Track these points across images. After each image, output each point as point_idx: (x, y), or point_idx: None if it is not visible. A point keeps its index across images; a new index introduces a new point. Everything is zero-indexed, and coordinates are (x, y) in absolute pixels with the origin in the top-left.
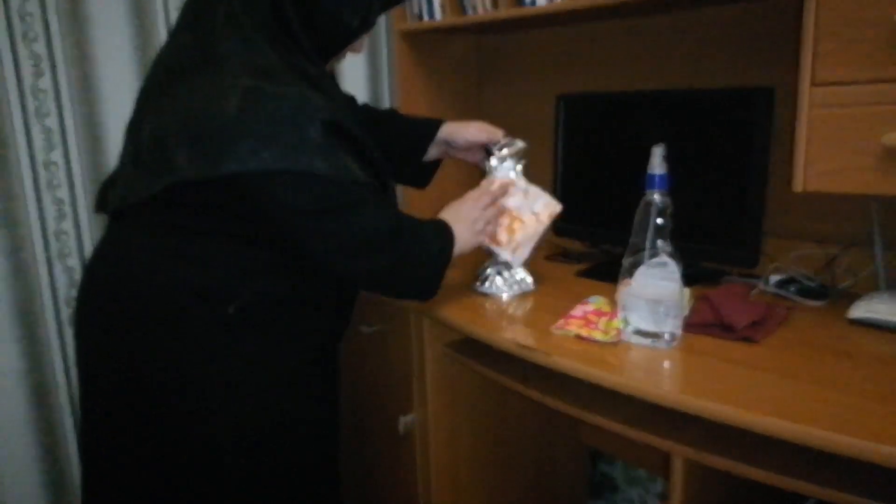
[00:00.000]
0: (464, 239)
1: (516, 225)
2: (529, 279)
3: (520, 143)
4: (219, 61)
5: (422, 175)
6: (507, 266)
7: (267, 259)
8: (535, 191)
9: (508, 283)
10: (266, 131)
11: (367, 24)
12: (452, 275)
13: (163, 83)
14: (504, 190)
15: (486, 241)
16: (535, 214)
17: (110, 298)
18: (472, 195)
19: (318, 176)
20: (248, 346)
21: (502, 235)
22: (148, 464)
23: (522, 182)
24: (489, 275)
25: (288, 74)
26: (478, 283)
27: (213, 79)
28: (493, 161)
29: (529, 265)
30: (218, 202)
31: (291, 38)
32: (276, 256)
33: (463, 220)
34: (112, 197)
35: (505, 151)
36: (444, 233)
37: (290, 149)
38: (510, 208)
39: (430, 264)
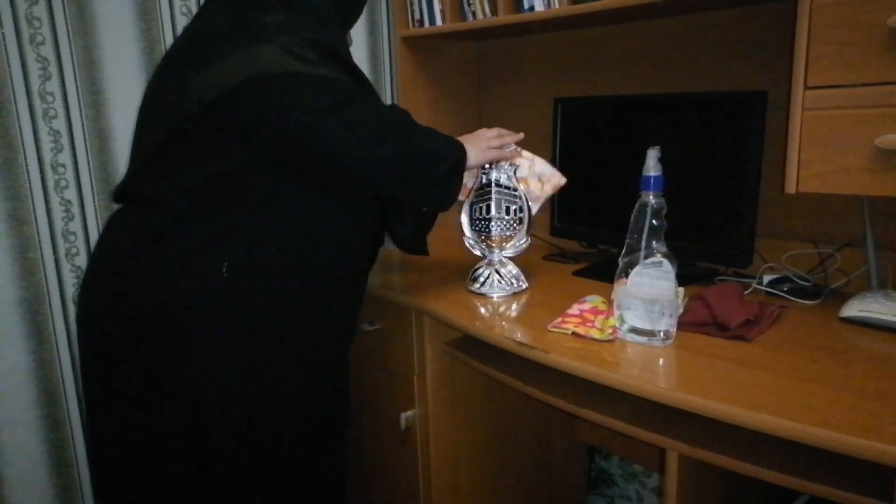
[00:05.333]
0: (473, 153)
1: (522, 186)
2: (523, 279)
3: (520, 135)
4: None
5: None
6: (502, 265)
7: (250, 209)
8: (541, 162)
9: (503, 283)
10: (267, 53)
11: None
12: (449, 275)
13: (187, 53)
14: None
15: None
16: (541, 183)
17: (106, 280)
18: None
19: (321, 77)
20: (242, 320)
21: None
22: (142, 441)
23: (528, 154)
24: (484, 275)
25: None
26: (474, 284)
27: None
28: None
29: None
30: (222, 124)
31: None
32: (262, 202)
33: (472, 138)
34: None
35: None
36: (453, 141)
37: (290, 61)
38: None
39: (444, 160)
